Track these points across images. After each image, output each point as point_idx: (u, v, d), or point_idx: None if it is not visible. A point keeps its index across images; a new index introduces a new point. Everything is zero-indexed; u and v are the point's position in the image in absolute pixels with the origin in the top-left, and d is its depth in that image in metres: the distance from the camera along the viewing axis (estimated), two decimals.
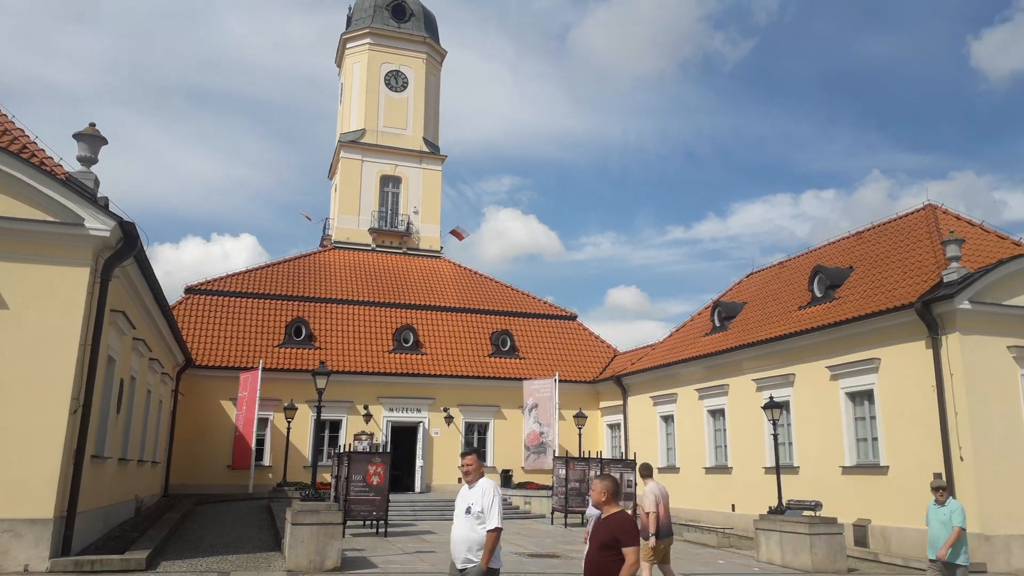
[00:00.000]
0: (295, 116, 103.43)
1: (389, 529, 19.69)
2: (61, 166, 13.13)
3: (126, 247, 12.50)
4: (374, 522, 19.21)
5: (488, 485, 6.64)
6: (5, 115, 14.16)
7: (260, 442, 27.72)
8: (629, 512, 5.82)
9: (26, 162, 11.63)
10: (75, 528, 11.75)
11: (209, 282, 32.21)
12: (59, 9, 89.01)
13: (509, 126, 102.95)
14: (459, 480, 30.74)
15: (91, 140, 12.44)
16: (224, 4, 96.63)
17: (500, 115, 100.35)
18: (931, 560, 9.79)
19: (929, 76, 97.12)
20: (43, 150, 13.57)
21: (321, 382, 15.20)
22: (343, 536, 18.08)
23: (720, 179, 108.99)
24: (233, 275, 33.13)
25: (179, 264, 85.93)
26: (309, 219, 41.27)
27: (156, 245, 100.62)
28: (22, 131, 13.98)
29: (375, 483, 18.72)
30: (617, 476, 20.57)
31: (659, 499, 10.80)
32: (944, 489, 10.03)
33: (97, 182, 12.52)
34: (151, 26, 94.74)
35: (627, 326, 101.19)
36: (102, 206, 12.09)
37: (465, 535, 6.50)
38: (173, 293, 31.48)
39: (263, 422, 27.68)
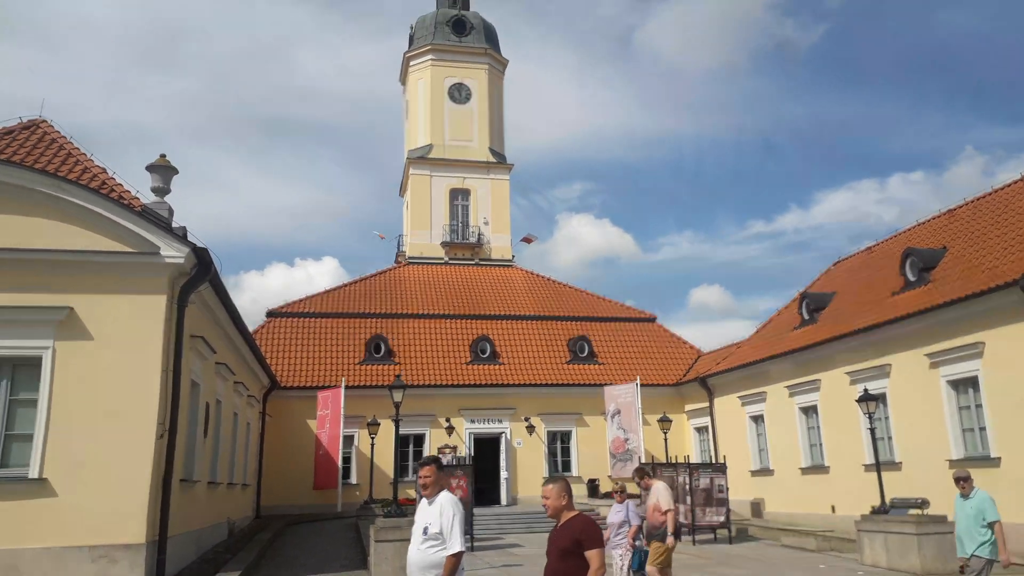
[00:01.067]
0: (367, 140, 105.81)
1: (476, 543, 19.55)
2: (138, 199, 13.55)
3: (200, 273, 12.75)
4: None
5: (448, 501, 5.94)
6: (85, 154, 14.72)
7: (347, 460, 28.09)
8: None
9: (103, 196, 12.02)
10: (167, 552, 11.98)
11: (289, 304, 32.97)
12: (141, 56, 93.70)
13: (577, 133, 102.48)
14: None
15: (163, 171, 12.79)
16: (296, 38, 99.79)
17: (567, 122, 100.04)
18: (964, 557, 9.16)
19: (1018, 44, 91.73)
20: (121, 184, 14.03)
21: (397, 396, 15.18)
22: None
23: (800, 169, 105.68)
24: (312, 296, 33.84)
25: (264, 290, 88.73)
26: (383, 237, 41.85)
27: (243, 273, 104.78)
28: (102, 168, 14.49)
29: (459, 496, 18.53)
30: (708, 481, 19.93)
31: (672, 498, 10.35)
32: (967, 479, 9.34)
33: (171, 211, 12.85)
34: (229, 67, 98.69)
35: (712, 327, 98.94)
36: (177, 234, 12.38)
37: (420, 559, 5.82)
38: (259, 318, 32.52)
39: (348, 440, 28.01)
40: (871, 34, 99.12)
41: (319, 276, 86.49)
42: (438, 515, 5.84)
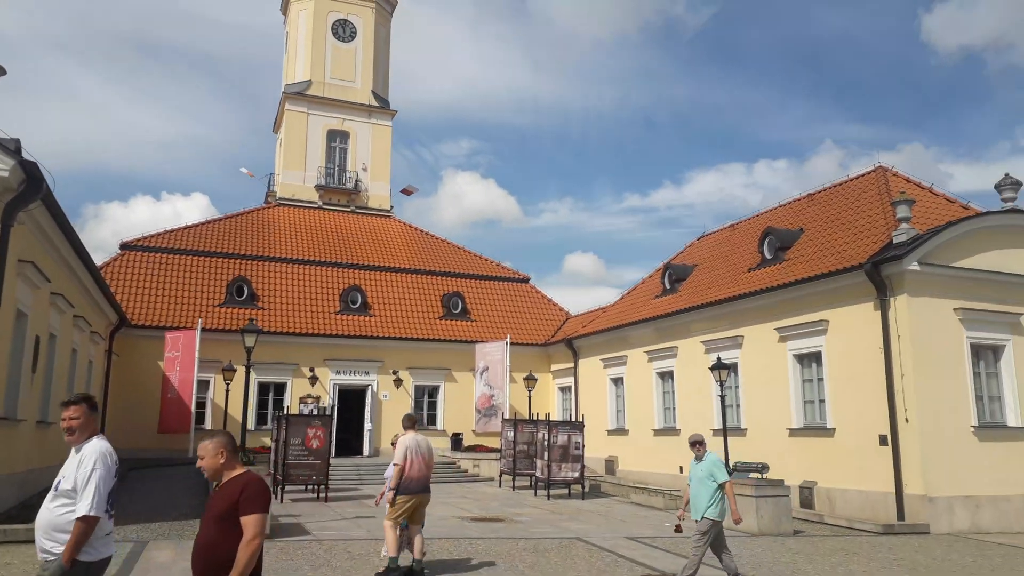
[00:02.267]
0: (248, 72, 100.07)
1: (332, 494, 19.11)
2: None
3: (30, 190, 11.47)
4: (315, 487, 18.58)
5: (92, 452, 4.83)
6: None
7: (202, 405, 26.79)
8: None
9: None
10: None
11: (147, 238, 30.81)
12: None
13: (468, 88, 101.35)
14: None
15: None
16: None
17: (459, 76, 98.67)
18: (696, 520, 9.32)
19: (882, 49, 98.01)
20: None
21: (250, 340, 14.40)
22: (280, 501, 17.58)
23: (677, 147, 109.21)
24: (172, 231, 31.78)
25: (128, 223, 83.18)
26: (251, 176, 39.71)
27: (103, 203, 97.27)
28: None
29: (315, 447, 18.08)
30: (565, 438, 20.30)
31: (412, 451, 9.64)
32: (701, 443, 9.69)
33: None
34: None
35: (583, 292, 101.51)
36: (3, 146, 11.01)
37: (46, 519, 4.70)
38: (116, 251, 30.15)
39: (204, 385, 26.72)
40: (754, 22, 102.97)
41: (187, 212, 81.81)
42: (75, 467, 4.76)
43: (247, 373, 14.80)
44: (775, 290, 19.69)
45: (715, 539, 9.34)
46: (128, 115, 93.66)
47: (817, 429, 18.40)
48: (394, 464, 9.60)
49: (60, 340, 17.05)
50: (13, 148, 11.50)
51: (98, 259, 28.47)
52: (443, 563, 10.60)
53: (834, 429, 17.80)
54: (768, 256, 22.09)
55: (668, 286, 26.65)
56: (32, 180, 11.46)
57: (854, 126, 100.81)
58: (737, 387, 21.47)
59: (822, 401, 18.46)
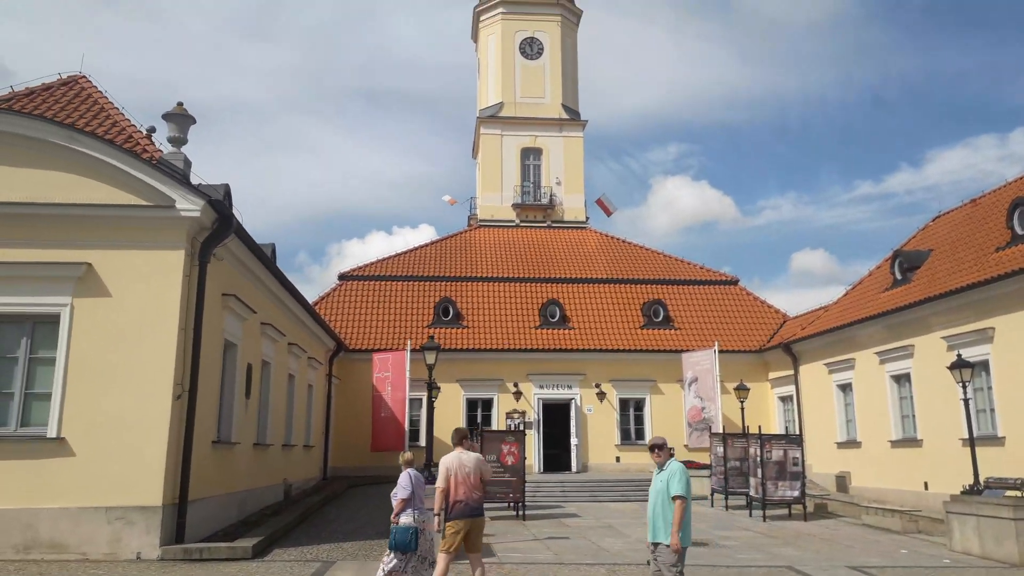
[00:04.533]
0: (462, 107, 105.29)
1: (532, 512, 18.80)
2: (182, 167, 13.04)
3: (222, 227, 12.25)
4: (513, 504, 18.33)
5: None
6: (118, 110, 14.46)
7: (415, 423, 27.82)
8: None
9: (116, 146, 11.65)
10: (189, 515, 11.67)
11: (361, 268, 32.88)
12: (240, 28, 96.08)
13: (672, 91, 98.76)
14: (616, 459, 29.54)
15: (180, 120, 12.31)
16: (389, 6, 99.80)
17: (662, 81, 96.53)
18: (650, 543, 7.45)
19: None
20: (153, 144, 13.68)
21: (430, 357, 14.42)
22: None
23: (912, 125, 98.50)
24: (384, 260, 33.63)
25: (365, 257, 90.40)
26: (453, 203, 41.03)
27: (344, 242, 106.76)
28: (134, 126, 14.21)
29: (510, 463, 17.84)
30: (781, 453, 18.43)
31: (454, 471, 8.59)
32: (662, 448, 7.50)
33: (188, 163, 12.38)
34: (324, 35, 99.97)
35: (816, 293, 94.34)
36: (194, 187, 11.88)
37: None
38: None
39: (417, 403, 27.71)
40: None
41: (416, 242, 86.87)
42: None
43: (429, 391, 14.89)
44: None
45: None
46: (360, 160, 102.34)
47: None
48: (437, 487, 8.60)
49: (275, 367, 18.29)
50: (222, 194, 12.43)
51: None
52: None
53: None
54: (1020, 231, 18.69)
55: (899, 276, 23.51)
56: (223, 218, 12.24)
57: None
58: (990, 388, 18.28)
59: None
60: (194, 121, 12.56)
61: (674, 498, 7.25)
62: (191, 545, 11.28)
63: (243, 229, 13.26)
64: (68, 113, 13.77)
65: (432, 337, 16.01)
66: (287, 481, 20.01)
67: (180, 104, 12.40)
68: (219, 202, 11.87)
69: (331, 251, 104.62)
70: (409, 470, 9.10)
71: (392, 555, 8.70)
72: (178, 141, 12.35)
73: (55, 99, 14.19)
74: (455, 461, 8.72)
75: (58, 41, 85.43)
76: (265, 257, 15.23)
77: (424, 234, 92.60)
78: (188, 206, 11.63)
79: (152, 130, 14.21)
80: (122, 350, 11.39)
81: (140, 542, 10.95)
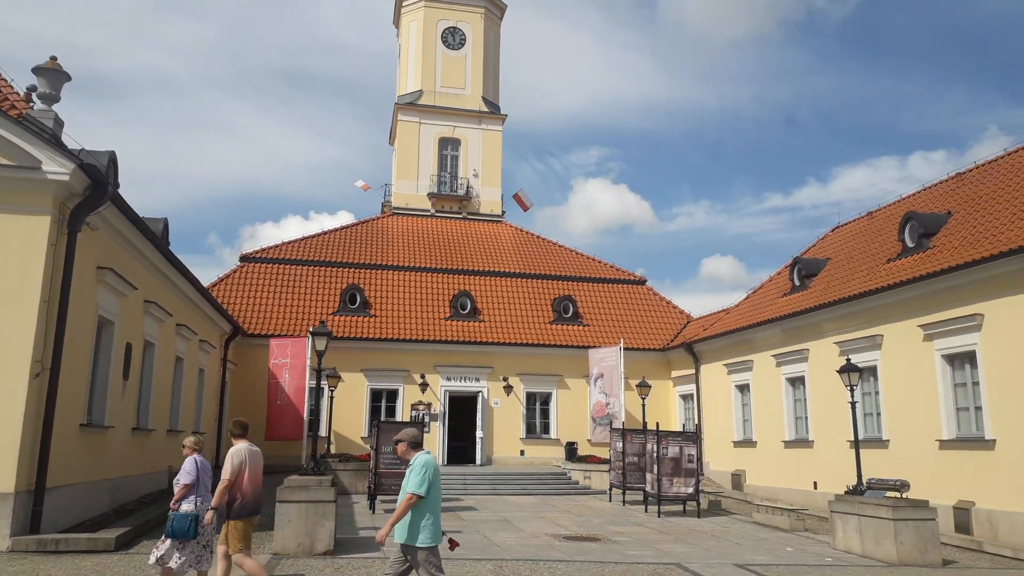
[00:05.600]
0: (386, 95, 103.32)
1: None
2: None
3: (95, 194, 11.31)
4: None
5: None
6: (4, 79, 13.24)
7: (315, 412, 26.85)
8: None
9: None
10: (48, 503, 10.76)
11: (264, 250, 31.64)
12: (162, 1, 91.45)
13: (597, 97, 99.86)
14: (521, 452, 29.40)
15: (51, 75, 11.29)
16: None
17: (587, 86, 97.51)
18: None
19: None
20: (23, 102, 12.57)
21: (320, 343, 13.79)
22: (373, 512, 16.96)
23: (821, 144, 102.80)
24: (289, 243, 32.48)
25: (280, 242, 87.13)
26: (366, 188, 40.05)
27: (258, 224, 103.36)
28: (5, 82, 13.05)
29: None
30: (677, 450, 18.59)
31: (244, 465, 8.06)
32: (400, 442, 7.20)
33: (59, 122, 11.39)
34: (249, 14, 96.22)
35: (723, 298, 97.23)
36: (65, 148, 10.92)
37: None
38: None
39: (318, 391, 26.76)
40: (903, 9, 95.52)
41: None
42: None
43: (318, 378, 14.27)
44: (918, 281, 17.12)
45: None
46: (278, 142, 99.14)
47: (973, 441, 15.73)
48: (222, 480, 7.92)
49: (160, 348, 17.25)
50: (106, 161, 11.50)
51: None
52: None
53: (994, 440, 15.11)
54: (910, 244, 19.44)
55: (798, 282, 24.21)
56: (97, 184, 11.31)
57: (1023, 110, 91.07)
58: (877, 393, 18.96)
59: (978, 408, 15.78)
60: (68, 78, 11.55)
61: (409, 494, 6.75)
62: (47, 536, 10.37)
63: (121, 198, 12.34)
64: None
65: (323, 322, 15.32)
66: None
67: (53, 58, 11.36)
68: (91, 166, 10.94)
69: (244, 234, 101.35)
70: (195, 456, 8.30)
71: (167, 542, 7.95)
72: (49, 98, 11.32)
73: None
74: (246, 454, 8.14)
75: None
76: (148, 230, 14.24)
77: (342, 221, 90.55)
78: (56, 168, 10.67)
79: (33, 88, 13.07)
80: None
81: None
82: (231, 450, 8.14)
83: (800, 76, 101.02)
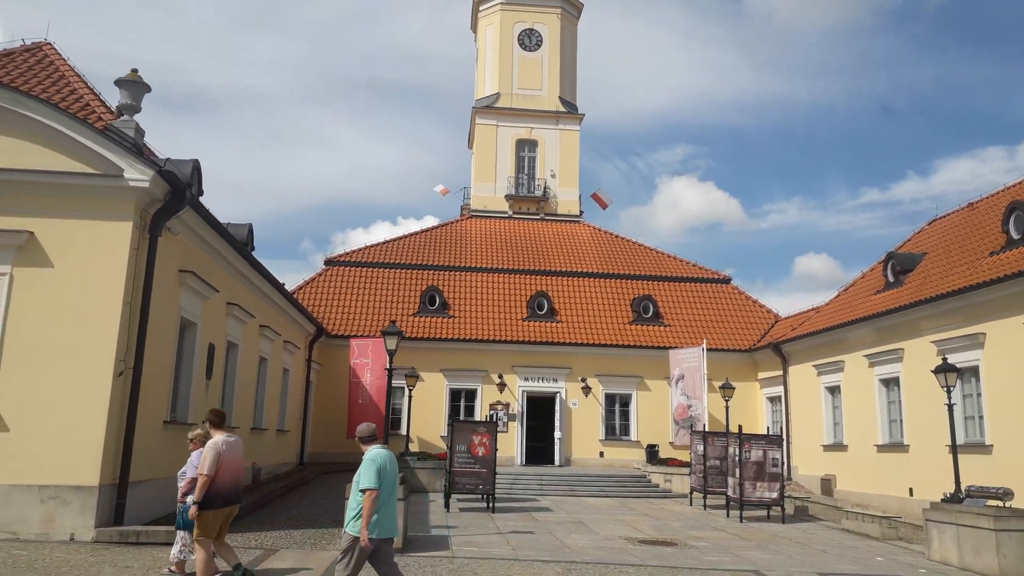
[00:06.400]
0: (466, 100, 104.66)
1: (503, 504, 18.35)
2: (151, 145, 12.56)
3: (174, 200, 11.74)
4: (484, 496, 17.86)
5: None
6: (80, 78, 14.01)
7: (397, 411, 27.29)
8: None
9: (62, 112, 11.15)
10: (131, 496, 11.22)
11: (348, 253, 32.41)
12: (247, 18, 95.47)
13: (682, 94, 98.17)
14: (600, 454, 29.00)
15: (132, 87, 11.79)
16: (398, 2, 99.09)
17: (672, 83, 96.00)
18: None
19: None
20: (112, 113, 13.19)
21: (391, 343, 13.88)
22: (448, 510, 17.01)
23: (921, 135, 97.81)
24: (372, 246, 33.16)
25: None
26: (444, 193, 40.41)
27: (349, 231, 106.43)
28: (94, 95, 13.82)
29: (480, 454, 17.36)
30: (760, 453, 17.95)
31: (224, 458, 8.09)
32: (366, 437, 7.07)
33: (140, 131, 11.86)
34: (332, 29, 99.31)
35: (817, 297, 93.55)
36: (145, 157, 11.38)
37: None
38: None
39: (399, 391, 27.18)
40: None
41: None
42: None
43: (389, 377, 14.34)
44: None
45: (380, 562, 7.03)
46: (367, 150, 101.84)
47: None
48: (200, 474, 7.99)
49: (243, 349, 17.80)
50: (189, 169, 11.99)
51: None
52: None
53: None
54: (1015, 236, 18.11)
55: (892, 279, 22.96)
56: (176, 190, 11.73)
57: None
58: (979, 395, 17.74)
59: None
60: (148, 89, 12.03)
61: (363, 491, 6.87)
62: (128, 528, 10.81)
63: (200, 203, 12.77)
64: (27, 79, 13.30)
65: (393, 322, 15.46)
66: (255, 465, 19.53)
67: (134, 70, 11.87)
68: (170, 172, 11.36)
69: (335, 240, 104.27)
70: (201, 449, 8.49)
71: (184, 535, 8.22)
72: (130, 108, 11.82)
73: (14, 64, 13.72)
74: (224, 445, 8.22)
75: (68, 28, 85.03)
76: (228, 235, 14.71)
77: (427, 225, 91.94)
78: (137, 175, 11.12)
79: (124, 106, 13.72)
80: (63, 323, 10.90)
81: (74, 523, 10.48)
82: (209, 442, 8.29)
83: (897, 65, 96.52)
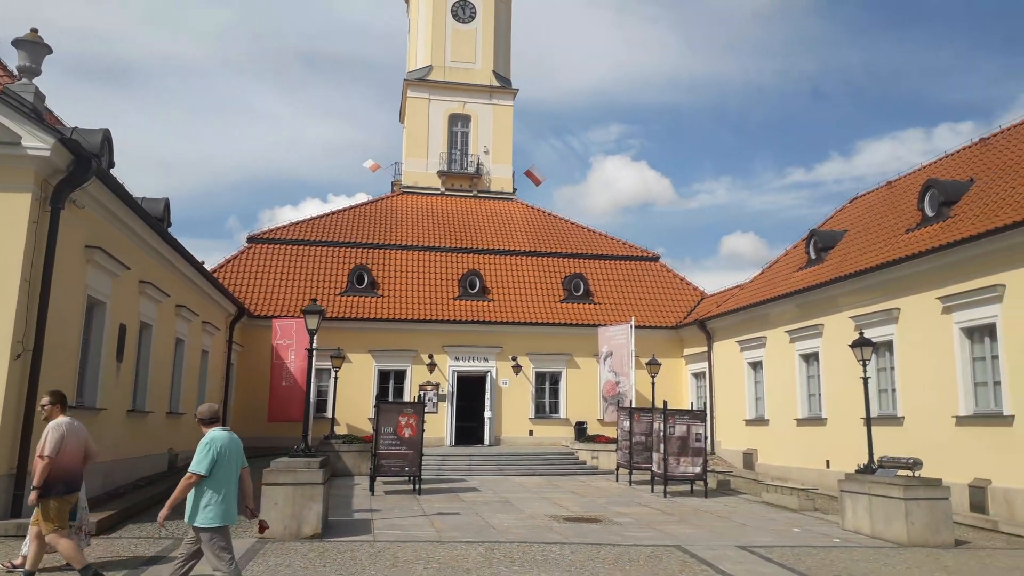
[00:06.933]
0: (399, 73, 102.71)
1: (430, 486, 18.17)
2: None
3: (79, 170, 11.03)
4: (410, 478, 17.64)
5: None
6: None
7: (323, 393, 26.78)
8: None
9: None
10: (28, 487, 10.47)
11: (272, 231, 31.46)
12: None
13: (617, 73, 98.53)
14: (530, 433, 29.12)
15: (31, 48, 10.97)
16: None
17: (607, 62, 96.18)
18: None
19: None
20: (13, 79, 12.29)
21: (312, 322, 13.47)
22: (372, 493, 16.72)
23: (847, 117, 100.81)
24: (297, 223, 32.24)
25: None
26: (375, 168, 39.51)
27: (277, 207, 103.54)
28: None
29: (407, 436, 17.11)
30: (684, 428, 18.21)
31: (68, 441, 7.72)
32: (206, 420, 6.90)
33: (40, 96, 11.08)
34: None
35: (743, 275, 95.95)
36: (45, 124, 10.61)
37: None
38: None
39: (325, 373, 26.65)
40: None
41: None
42: None
43: (310, 357, 13.90)
44: (937, 251, 16.51)
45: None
46: (297, 125, 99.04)
47: (991, 417, 15.19)
48: (40, 456, 7.58)
49: (157, 330, 17.06)
50: (99, 139, 11.25)
51: None
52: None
53: (1013, 416, 14.57)
54: (930, 213, 18.76)
55: (813, 256, 23.57)
56: (80, 161, 11.02)
57: None
58: (892, 368, 18.41)
59: (997, 383, 15.22)
60: (49, 51, 11.22)
61: (189, 474, 6.56)
62: (28, 520, 10.16)
63: (109, 175, 12.06)
64: None
65: (314, 300, 14.98)
66: (172, 451, 18.88)
67: (34, 30, 11.03)
68: (73, 141, 10.65)
69: (263, 218, 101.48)
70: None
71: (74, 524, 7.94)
72: (29, 71, 11.01)
73: None
74: (69, 428, 7.86)
75: None
76: (141, 209, 13.98)
77: (358, 202, 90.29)
78: (36, 144, 10.39)
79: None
80: None
81: None
82: (51, 424, 7.87)
83: (827, 47, 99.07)
